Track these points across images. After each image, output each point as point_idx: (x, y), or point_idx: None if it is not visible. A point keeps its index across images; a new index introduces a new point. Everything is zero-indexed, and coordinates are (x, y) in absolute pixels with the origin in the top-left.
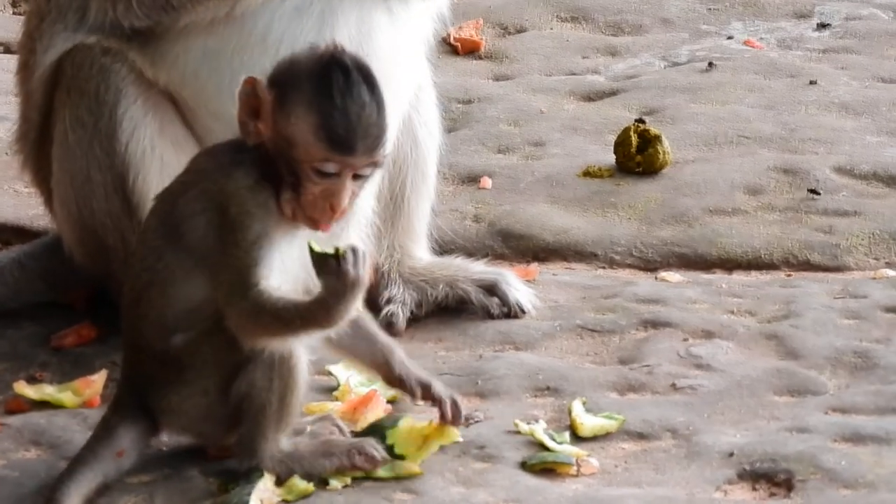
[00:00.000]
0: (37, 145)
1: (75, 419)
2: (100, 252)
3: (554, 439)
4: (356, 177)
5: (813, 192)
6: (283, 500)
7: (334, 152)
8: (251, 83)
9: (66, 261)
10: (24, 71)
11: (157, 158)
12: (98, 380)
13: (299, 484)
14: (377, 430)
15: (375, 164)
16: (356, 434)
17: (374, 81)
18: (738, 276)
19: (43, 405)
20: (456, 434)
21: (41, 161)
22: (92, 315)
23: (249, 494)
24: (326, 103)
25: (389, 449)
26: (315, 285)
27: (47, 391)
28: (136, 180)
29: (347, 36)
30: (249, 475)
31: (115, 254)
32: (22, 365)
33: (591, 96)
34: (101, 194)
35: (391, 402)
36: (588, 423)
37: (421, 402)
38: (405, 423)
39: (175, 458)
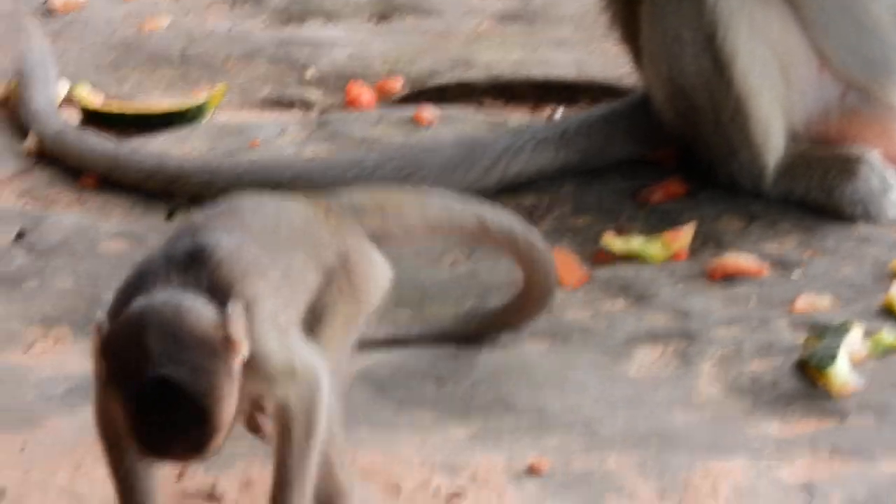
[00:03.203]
0: (626, 3)
1: (662, 272)
2: (688, 112)
3: None
4: None
5: None
6: (870, 355)
7: (149, 457)
8: (97, 332)
9: (654, 119)
10: None
11: (746, 16)
12: (685, 233)
13: (887, 338)
14: None
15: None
16: None
17: (192, 397)
18: None
19: (630, 257)
20: None
21: (629, 19)
22: (681, 172)
23: (838, 346)
24: (139, 424)
25: None
26: None
27: (635, 244)
28: (725, 39)
29: None
30: (839, 327)
31: (704, 114)
32: (609, 218)
33: None
34: (690, 53)
35: None
36: None
37: None
38: None
39: (761, 310)
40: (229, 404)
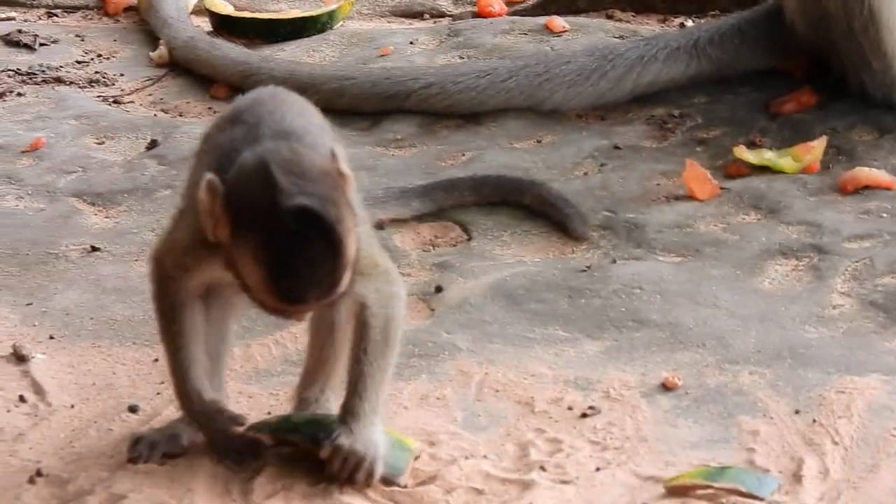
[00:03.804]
0: None
1: (795, 184)
2: (821, 20)
3: None
4: None
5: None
6: None
7: (284, 305)
8: (210, 190)
9: (787, 29)
10: None
11: None
12: (818, 146)
13: None
14: None
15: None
16: None
17: (328, 225)
18: None
19: (762, 170)
20: None
21: None
22: (812, 83)
23: None
24: (277, 261)
25: None
26: None
27: (766, 156)
28: None
29: None
30: None
31: (836, 23)
32: (741, 130)
33: None
34: None
35: None
36: None
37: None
38: None
39: (893, 224)
40: (355, 238)
